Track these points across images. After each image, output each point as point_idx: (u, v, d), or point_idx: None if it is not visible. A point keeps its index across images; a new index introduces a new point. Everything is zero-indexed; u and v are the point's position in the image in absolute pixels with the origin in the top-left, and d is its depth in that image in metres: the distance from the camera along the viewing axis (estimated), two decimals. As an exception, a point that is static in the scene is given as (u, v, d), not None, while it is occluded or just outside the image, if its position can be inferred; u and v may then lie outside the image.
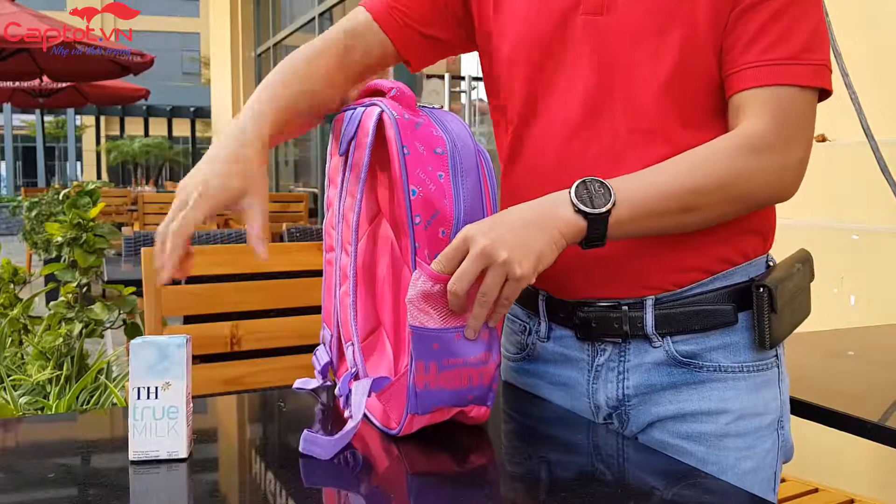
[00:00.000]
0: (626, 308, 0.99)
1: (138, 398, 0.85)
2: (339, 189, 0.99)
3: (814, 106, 0.95)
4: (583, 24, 0.97)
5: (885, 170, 1.67)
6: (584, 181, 0.88)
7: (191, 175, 0.94)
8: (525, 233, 0.85)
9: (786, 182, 0.94)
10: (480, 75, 1.22)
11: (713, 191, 0.91)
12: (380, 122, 0.91)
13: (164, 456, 0.85)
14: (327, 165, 1.06)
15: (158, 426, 0.84)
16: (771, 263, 1.04)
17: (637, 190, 0.90)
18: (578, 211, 0.87)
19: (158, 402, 0.85)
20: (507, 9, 1.04)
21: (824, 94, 0.96)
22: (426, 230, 0.87)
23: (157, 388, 0.85)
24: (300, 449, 0.87)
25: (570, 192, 0.88)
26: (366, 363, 0.96)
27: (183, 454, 0.85)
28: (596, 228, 0.87)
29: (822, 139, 2.43)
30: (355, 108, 0.97)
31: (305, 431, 0.88)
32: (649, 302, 0.98)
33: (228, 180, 0.92)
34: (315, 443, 0.87)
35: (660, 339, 0.99)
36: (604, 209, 0.87)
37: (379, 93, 0.99)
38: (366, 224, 0.99)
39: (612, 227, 0.88)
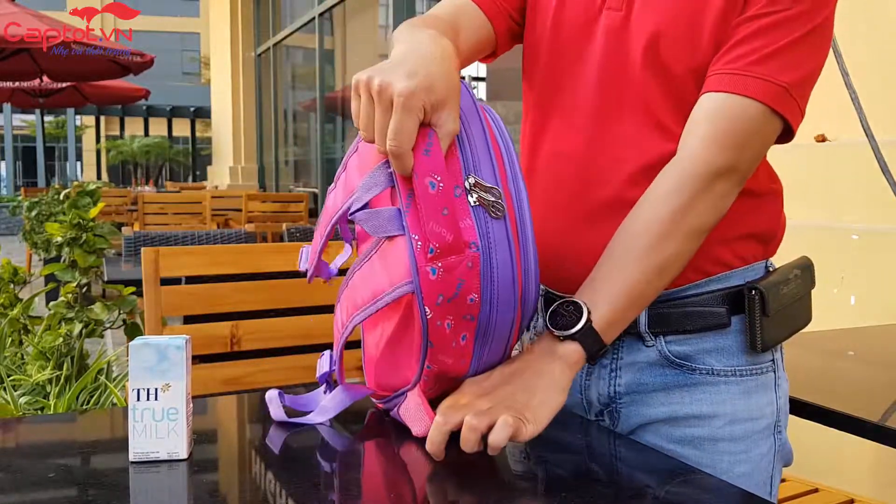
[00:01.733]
0: None
1: (138, 400, 0.84)
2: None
3: (767, 127, 0.92)
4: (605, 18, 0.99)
5: (885, 170, 1.67)
6: (552, 310, 0.88)
7: (390, 69, 0.76)
8: (528, 394, 0.83)
9: (717, 191, 0.91)
10: (481, 75, 1.22)
11: (674, 252, 0.90)
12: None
13: (164, 457, 0.85)
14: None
15: (158, 428, 0.84)
16: (770, 269, 1.04)
17: (606, 293, 0.89)
18: (565, 338, 0.86)
19: (158, 404, 0.84)
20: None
21: (788, 131, 0.94)
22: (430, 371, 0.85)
23: (156, 389, 0.85)
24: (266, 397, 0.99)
25: (546, 325, 0.88)
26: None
27: (183, 455, 0.85)
28: (590, 341, 0.86)
29: (822, 139, 2.43)
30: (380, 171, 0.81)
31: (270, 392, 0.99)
32: None
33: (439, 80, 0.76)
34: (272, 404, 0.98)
35: (653, 338, 0.99)
36: (583, 322, 0.86)
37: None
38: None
39: (604, 329, 0.87)
